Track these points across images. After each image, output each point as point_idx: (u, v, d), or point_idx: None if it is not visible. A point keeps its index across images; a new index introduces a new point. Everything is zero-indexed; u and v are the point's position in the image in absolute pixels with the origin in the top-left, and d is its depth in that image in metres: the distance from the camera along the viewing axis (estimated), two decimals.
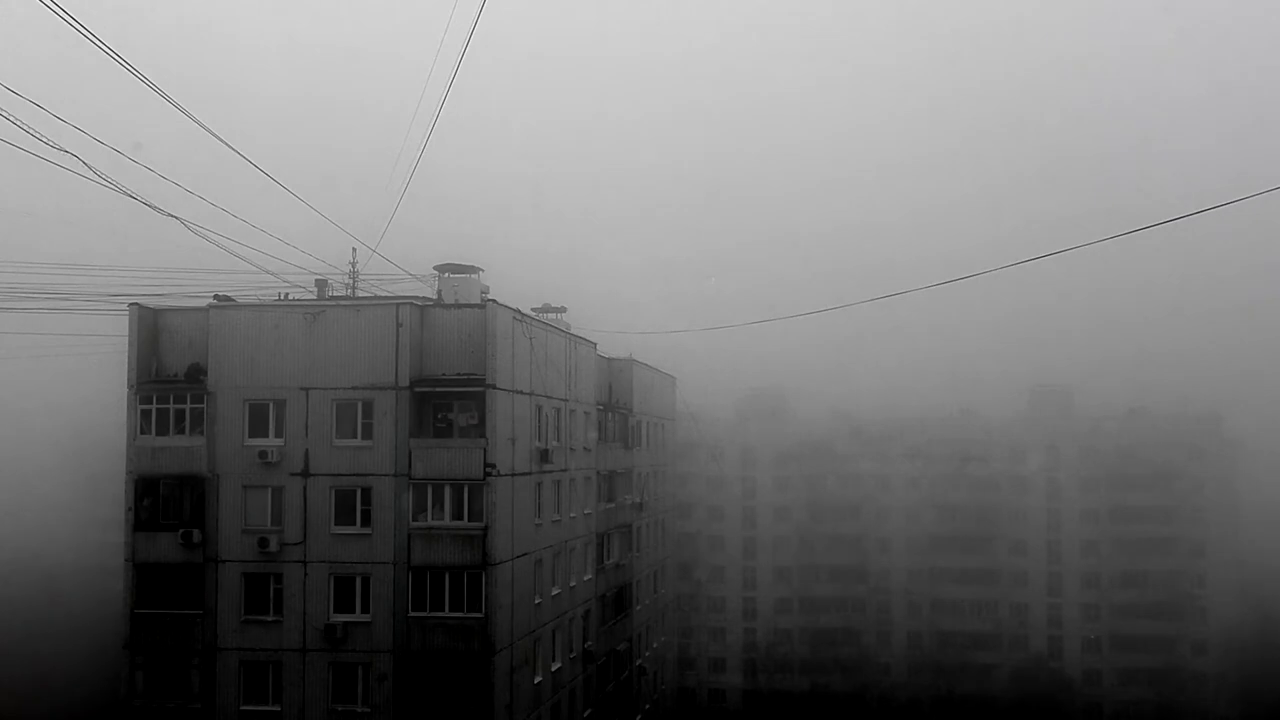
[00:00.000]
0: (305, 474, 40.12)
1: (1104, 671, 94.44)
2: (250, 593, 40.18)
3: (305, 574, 39.97)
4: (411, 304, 41.23)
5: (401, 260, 46.67)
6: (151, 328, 41.84)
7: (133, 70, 20.21)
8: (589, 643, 52.52)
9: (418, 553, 39.79)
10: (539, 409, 45.45)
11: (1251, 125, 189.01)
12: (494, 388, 40.43)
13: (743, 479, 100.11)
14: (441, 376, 40.90)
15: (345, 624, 39.69)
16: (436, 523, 39.90)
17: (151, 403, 40.94)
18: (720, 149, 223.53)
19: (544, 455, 45.41)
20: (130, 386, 41.20)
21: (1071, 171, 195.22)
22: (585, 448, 52.82)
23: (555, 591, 47.49)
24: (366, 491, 40.03)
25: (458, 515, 40.00)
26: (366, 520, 39.99)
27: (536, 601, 44.86)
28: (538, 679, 44.94)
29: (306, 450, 40.17)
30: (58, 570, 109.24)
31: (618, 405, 60.09)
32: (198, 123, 25.17)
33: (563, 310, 57.21)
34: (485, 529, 39.93)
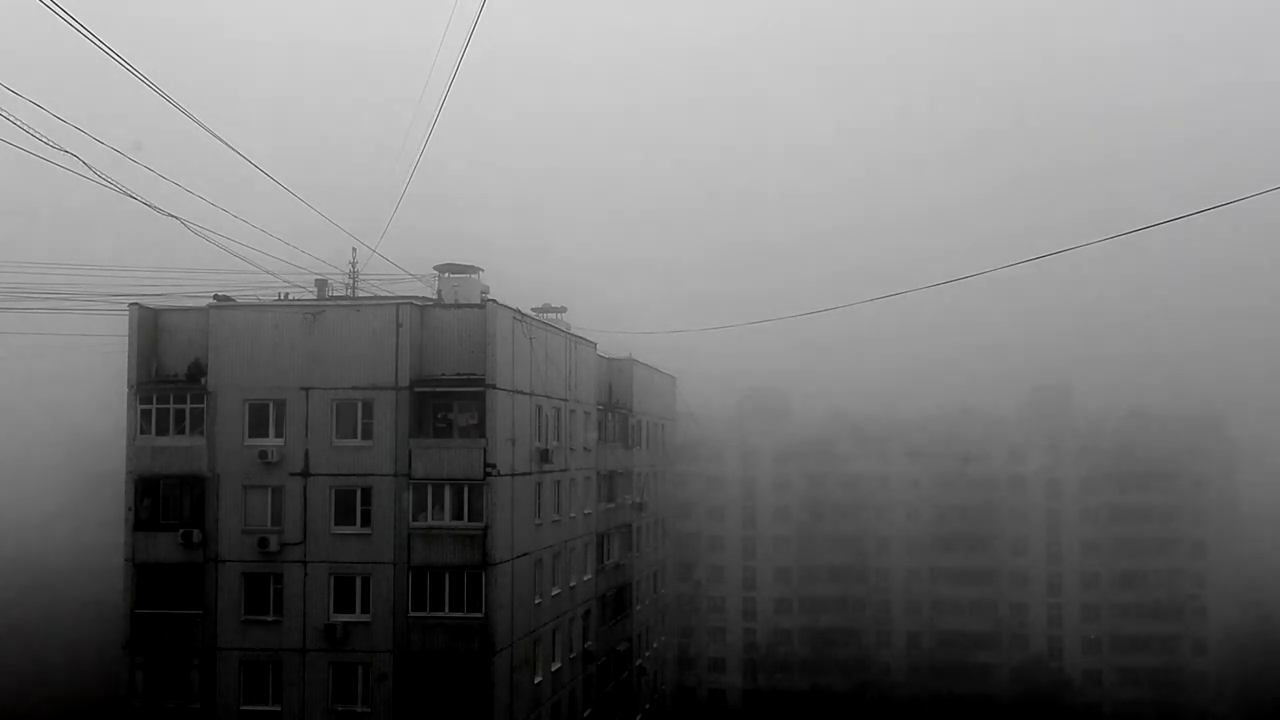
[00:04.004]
0: (305, 474, 40.12)
1: (1104, 671, 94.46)
2: (250, 593, 40.20)
3: (305, 574, 39.97)
4: (411, 304, 41.25)
5: (401, 260, 46.73)
6: (151, 328, 41.86)
7: (133, 70, 20.23)
8: (589, 643, 52.53)
9: (418, 553, 39.80)
10: (539, 409, 45.46)
11: (1251, 126, 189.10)
12: (494, 388, 40.44)
13: (743, 479, 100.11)
14: (441, 376, 40.91)
15: (345, 624, 39.69)
16: (436, 523, 39.91)
17: (151, 403, 40.96)
18: (721, 149, 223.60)
19: (544, 455, 45.42)
20: (130, 386, 41.22)
21: (1072, 172, 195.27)
22: (585, 448, 52.83)
23: (555, 591, 47.50)
24: (366, 491, 40.04)
25: (458, 515, 40.01)
26: (366, 520, 40.00)
27: (536, 601, 44.87)
28: (538, 679, 44.95)
29: (306, 450, 40.18)
30: (58, 570, 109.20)
31: (618, 405, 60.10)
32: (198, 123, 25.19)
33: (563, 310, 57.25)
34: (485, 529, 39.94)
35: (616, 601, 58.45)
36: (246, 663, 40.04)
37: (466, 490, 40.06)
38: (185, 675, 40.25)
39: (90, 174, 22.85)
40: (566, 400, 49.56)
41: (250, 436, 40.51)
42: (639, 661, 64.08)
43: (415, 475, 39.91)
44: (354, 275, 47.86)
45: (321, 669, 39.77)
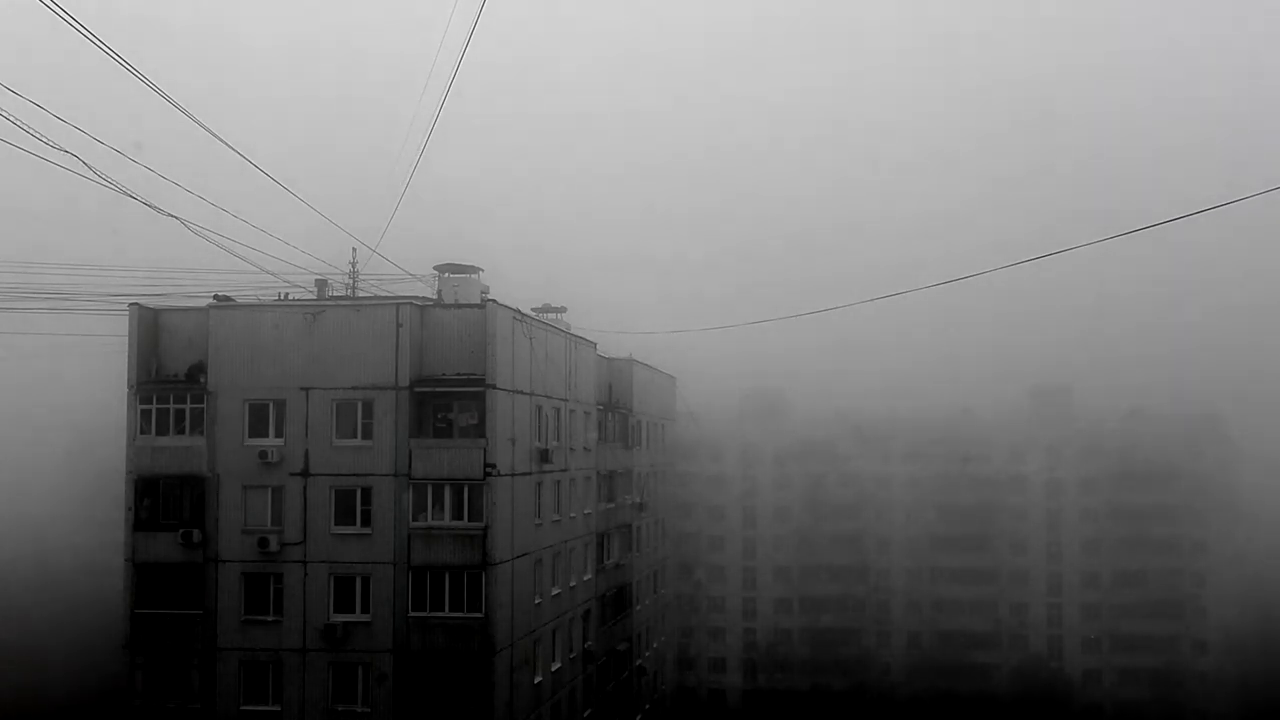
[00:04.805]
0: (305, 474, 40.11)
1: (1104, 671, 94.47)
2: (250, 593, 40.18)
3: (305, 574, 39.96)
4: (411, 304, 41.22)
5: (401, 260, 46.72)
6: (151, 328, 41.84)
7: (133, 70, 20.23)
8: (589, 643, 52.52)
9: (418, 553, 39.79)
10: (539, 409, 45.44)
11: (1250, 125, 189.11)
12: (494, 388, 40.43)
13: (743, 479, 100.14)
14: (441, 376, 40.89)
15: (345, 624, 39.69)
16: (436, 523, 39.89)
17: (151, 403, 40.94)
18: (721, 148, 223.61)
19: (544, 455, 45.40)
20: (130, 386, 41.20)
21: (1072, 171, 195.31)
22: (585, 448, 52.82)
23: (555, 591, 47.49)
24: (366, 491, 40.02)
25: (458, 515, 40.00)
26: (366, 520, 39.99)
27: (536, 601, 44.86)
28: (538, 679, 44.94)
29: (306, 450, 40.17)
30: (58, 570, 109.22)
31: (618, 405, 60.08)
32: (198, 123, 25.20)
33: (563, 310, 57.20)
34: (485, 529, 39.93)
35: (616, 601, 58.43)
36: (246, 663, 40.03)
37: (466, 490, 40.04)
38: (185, 675, 40.24)
39: (90, 174, 22.86)
40: (566, 400, 49.55)
41: (250, 436, 40.49)
42: (639, 661, 64.07)
43: (415, 475, 39.90)
44: (354, 275, 47.84)
45: (321, 669, 39.76)
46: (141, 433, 40.95)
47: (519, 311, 43.93)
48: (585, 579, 52.49)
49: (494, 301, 41.91)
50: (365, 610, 39.84)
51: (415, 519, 39.93)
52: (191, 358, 41.57)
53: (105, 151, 23.62)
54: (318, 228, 40.60)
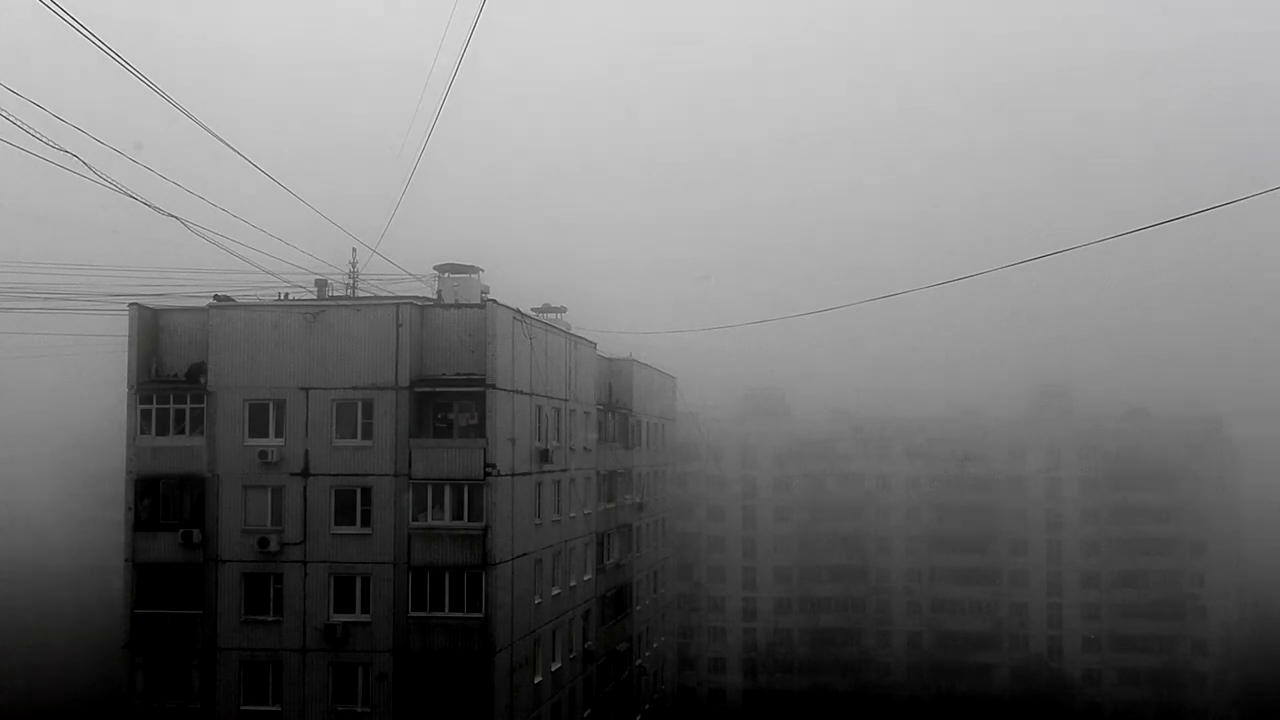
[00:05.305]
0: (305, 474, 40.11)
1: (1104, 671, 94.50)
2: (250, 593, 40.17)
3: (305, 574, 39.96)
4: (411, 304, 41.21)
5: (401, 260, 46.78)
6: (151, 328, 41.83)
7: (133, 70, 20.23)
8: (589, 643, 52.51)
9: (418, 553, 39.79)
10: (539, 409, 45.43)
11: (1251, 125, 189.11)
12: (494, 388, 40.43)
13: (743, 479, 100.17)
14: (441, 376, 40.89)
15: (345, 624, 39.68)
16: (436, 523, 39.89)
17: (151, 403, 40.94)
18: (721, 149, 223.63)
19: (544, 455, 45.40)
20: (130, 386, 41.20)
21: (1072, 172, 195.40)
22: (585, 448, 52.81)
23: (555, 591, 47.49)
24: (366, 491, 40.02)
25: (458, 515, 39.99)
26: (366, 520, 39.98)
27: (536, 601, 44.86)
28: (538, 679, 44.94)
29: (306, 450, 40.16)
30: (58, 570, 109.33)
31: (618, 405, 60.07)
32: (198, 123, 25.20)
33: (563, 310, 57.18)
34: (485, 529, 39.93)
35: (616, 601, 58.43)
36: (246, 663, 40.02)
37: (466, 490, 40.03)
38: (185, 675, 40.23)
39: (90, 174, 22.87)
40: (566, 400, 49.55)
41: (250, 436, 40.47)
42: (639, 661, 64.05)
43: (415, 475, 39.89)
44: (354, 275, 47.83)
45: (321, 669, 39.75)
46: (141, 433, 40.95)
47: (519, 311, 43.91)
48: (585, 579, 52.49)
49: (494, 301, 41.89)
50: (365, 610, 39.83)
51: (415, 519, 39.93)
52: (191, 358, 41.57)
53: (105, 151, 23.64)
54: (318, 228, 40.64)
